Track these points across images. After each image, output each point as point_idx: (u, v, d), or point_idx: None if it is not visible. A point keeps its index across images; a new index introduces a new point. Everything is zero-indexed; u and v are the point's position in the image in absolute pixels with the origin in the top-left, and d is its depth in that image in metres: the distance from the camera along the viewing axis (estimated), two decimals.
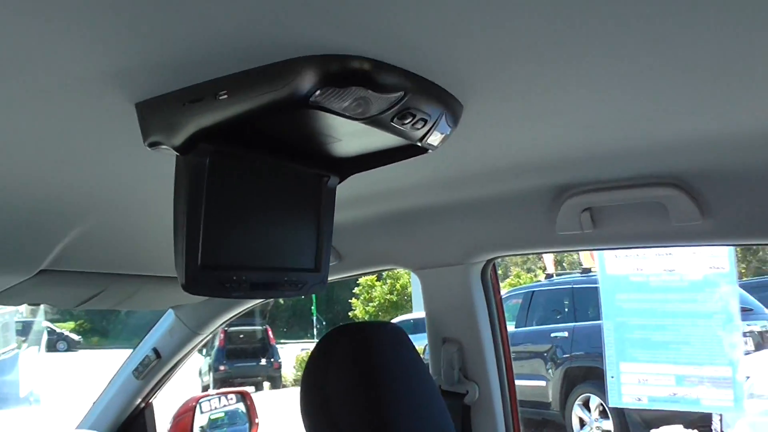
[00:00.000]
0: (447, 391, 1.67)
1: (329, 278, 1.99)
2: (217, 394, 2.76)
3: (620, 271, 6.68)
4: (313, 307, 16.50)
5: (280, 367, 15.01)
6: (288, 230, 1.08)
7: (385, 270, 1.91)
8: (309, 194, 1.10)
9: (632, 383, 6.59)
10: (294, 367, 16.12)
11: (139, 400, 2.27)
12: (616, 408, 7.06)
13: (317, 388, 1.17)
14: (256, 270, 1.01)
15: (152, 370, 2.20)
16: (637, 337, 6.59)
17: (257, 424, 2.59)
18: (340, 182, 1.14)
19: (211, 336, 2.22)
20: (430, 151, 1.00)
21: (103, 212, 1.43)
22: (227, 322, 2.18)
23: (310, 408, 1.18)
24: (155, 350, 2.18)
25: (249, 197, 0.99)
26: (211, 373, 13.94)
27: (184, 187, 0.88)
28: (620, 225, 1.46)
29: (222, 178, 0.92)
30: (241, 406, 2.75)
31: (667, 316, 6.37)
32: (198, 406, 2.58)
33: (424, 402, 1.28)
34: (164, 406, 2.44)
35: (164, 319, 2.22)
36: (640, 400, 6.57)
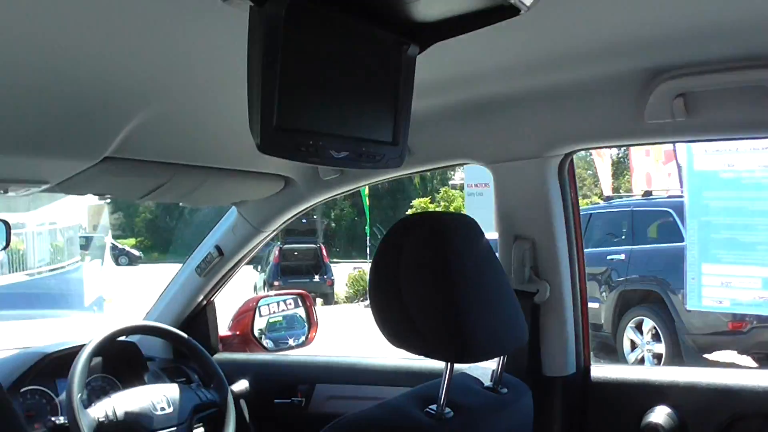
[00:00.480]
0: (516, 290, 1.61)
1: (396, 173, 1.95)
2: (277, 295, 2.78)
3: (709, 166, 6.36)
4: (366, 228, 16.63)
5: (333, 284, 15.28)
6: (365, 100, 1.02)
7: (457, 164, 1.84)
8: (388, 63, 1.03)
9: (714, 285, 6.37)
10: (346, 284, 16.42)
11: (201, 296, 2.28)
12: (670, 332, 6.95)
13: (389, 270, 1.13)
14: (332, 137, 0.96)
15: (214, 268, 2.19)
16: (722, 238, 6.31)
17: (316, 324, 2.60)
18: (420, 52, 1.06)
19: (273, 235, 2.19)
20: (522, 12, 0.91)
21: (168, 96, 1.38)
22: (289, 221, 2.15)
23: (379, 292, 1.15)
24: (218, 248, 2.17)
25: (326, 60, 0.93)
26: (266, 289, 14.29)
27: (259, 41, 0.83)
28: (717, 113, 1.35)
29: (298, 34, 0.86)
30: (300, 311, 2.77)
31: (758, 216, 6.06)
32: (257, 309, 2.60)
33: (497, 296, 1.23)
34: (223, 310, 2.46)
35: (227, 216, 2.20)
36: (721, 303, 6.36)
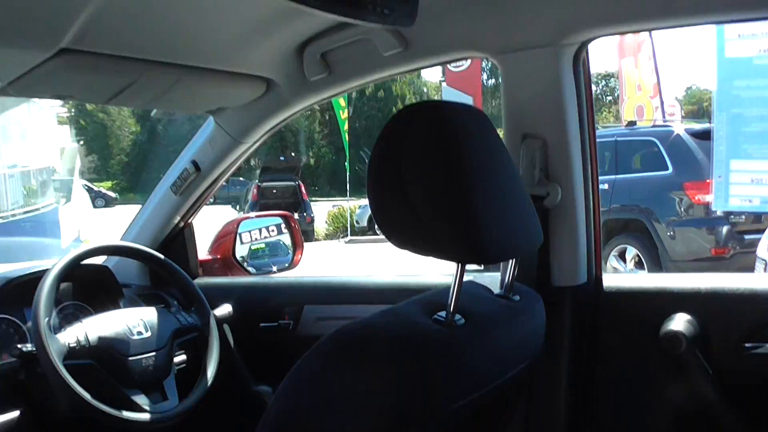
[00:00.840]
0: None
1: (391, 71, 1.77)
2: (258, 217, 2.62)
3: (742, 53, 5.95)
4: (346, 163, 16.39)
5: (312, 221, 15.21)
6: None
7: (460, 58, 1.66)
8: None
9: (743, 183, 6.09)
10: (326, 222, 16.43)
11: (178, 218, 2.11)
12: (653, 259, 6.92)
13: (390, 162, 0.98)
14: None
15: (191, 185, 2.01)
16: (755, 131, 5.97)
17: (302, 245, 2.46)
18: None
19: (254, 148, 2.01)
20: None
21: None
22: (272, 132, 1.97)
23: (380, 188, 1.00)
24: (194, 163, 1.98)
25: None
26: None
27: None
28: None
29: None
30: (284, 238, 2.62)
31: None
32: (238, 233, 2.45)
33: (510, 193, 1.09)
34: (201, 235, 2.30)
35: (204, 128, 2.00)
36: (750, 202, 6.13)
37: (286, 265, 2.48)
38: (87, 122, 35.09)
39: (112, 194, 29.37)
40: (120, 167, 35.89)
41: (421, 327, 0.98)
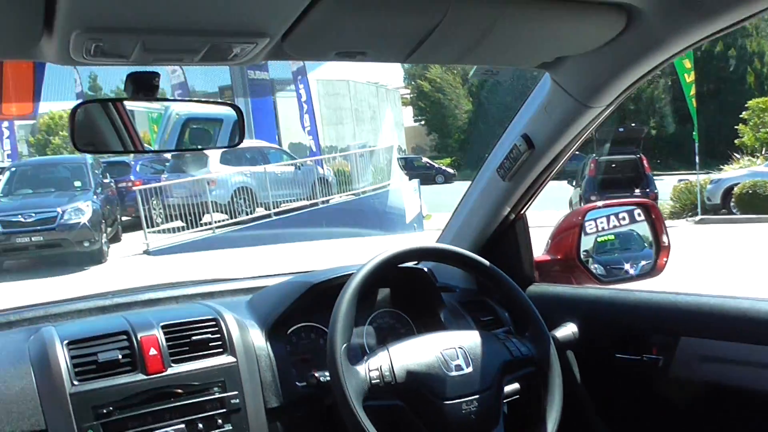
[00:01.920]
0: None
1: None
2: (606, 206, 2.08)
3: None
4: (694, 133, 14.63)
5: (656, 197, 13.84)
6: None
7: None
8: None
9: None
10: (671, 198, 14.91)
11: (508, 209, 1.69)
12: None
13: None
14: None
15: (523, 166, 1.57)
16: None
17: (667, 246, 1.87)
18: None
19: (606, 115, 1.48)
20: None
21: None
22: (630, 91, 1.41)
23: None
24: (525, 138, 1.53)
25: None
26: (582, 204, 13.47)
27: None
28: None
29: None
30: (637, 228, 2.05)
31: None
32: (583, 225, 1.94)
33: None
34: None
35: (536, 92, 1.53)
36: None
37: (645, 267, 1.92)
38: (426, 103, 37.04)
39: (451, 171, 30.64)
40: (457, 145, 37.23)
41: None
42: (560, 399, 1.34)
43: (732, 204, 13.73)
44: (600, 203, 2.01)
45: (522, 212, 1.74)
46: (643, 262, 1.99)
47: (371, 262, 1.34)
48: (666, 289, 1.55)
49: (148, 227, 12.76)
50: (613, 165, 14.22)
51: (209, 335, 1.34)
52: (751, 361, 1.27)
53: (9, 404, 1.18)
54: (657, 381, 1.43)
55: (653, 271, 1.85)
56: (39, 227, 10.71)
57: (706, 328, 1.36)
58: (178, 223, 13.31)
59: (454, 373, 1.26)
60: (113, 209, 13.32)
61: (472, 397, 1.25)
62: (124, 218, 14.42)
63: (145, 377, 1.24)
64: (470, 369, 1.28)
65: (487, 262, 1.46)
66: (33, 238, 10.70)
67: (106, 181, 13.49)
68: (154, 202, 13.49)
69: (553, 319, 1.51)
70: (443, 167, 31.09)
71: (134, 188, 14.02)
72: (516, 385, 1.37)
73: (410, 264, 1.64)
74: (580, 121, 1.44)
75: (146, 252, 12.43)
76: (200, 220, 13.44)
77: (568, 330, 1.53)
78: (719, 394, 1.33)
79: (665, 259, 1.84)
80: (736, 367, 1.29)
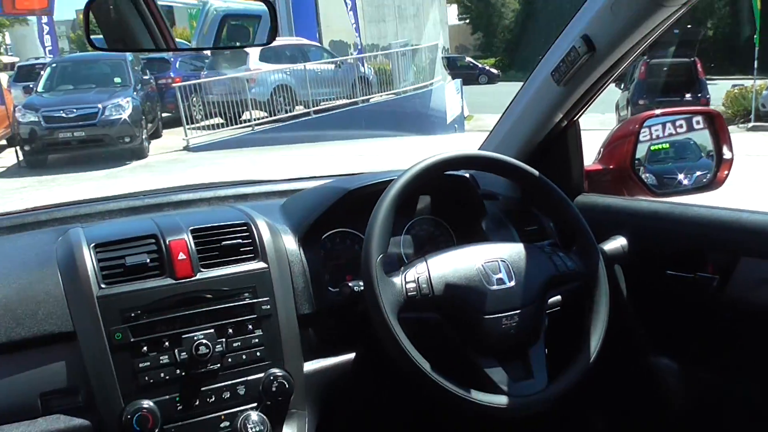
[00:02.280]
0: None
1: None
2: (665, 113, 1.94)
3: None
4: (755, 37, 13.86)
5: (708, 103, 13.32)
6: None
7: None
8: None
9: None
10: (723, 104, 14.40)
11: (560, 114, 1.58)
12: None
13: None
14: None
15: (581, 70, 1.43)
16: None
17: (729, 160, 1.75)
18: None
19: (681, 13, 1.34)
20: None
21: None
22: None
23: None
24: (586, 39, 1.39)
25: None
26: (629, 108, 13.03)
27: None
28: None
29: None
30: (695, 136, 1.93)
31: None
32: (637, 140, 1.82)
33: None
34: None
35: None
36: None
37: (704, 180, 1.81)
38: (471, 1, 35.78)
39: (495, 71, 29.93)
40: (503, 44, 36.17)
41: None
42: (606, 316, 1.28)
43: None
44: (658, 111, 1.88)
45: (575, 119, 1.63)
46: (699, 173, 1.87)
47: (412, 169, 1.26)
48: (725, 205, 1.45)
49: (187, 124, 12.83)
50: (666, 68, 13.64)
51: (240, 240, 1.29)
52: None
53: (36, 306, 1.16)
54: (710, 301, 1.35)
55: (712, 184, 1.74)
56: (81, 122, 10.85)
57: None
58: (218, 120, 13.34)
59: (495, 287, 1.20)
60: (153, 106, 13.39)
61: (513, 312, 1.20)
62: (164, 115, 14.55)
63: (174, 281, 1.20)
64: (512, 283, 1.22)
65: (536, 172, 1.37)
66: (75, 133, 10.86)
67: (145, 77, 13.51)
68: (194, 99, 13.50)
69: (601, 231, 1.42)
70: (487, 67, 30.36)
71: (174, 85, 14.05)
72: (558, 297, 1.31)
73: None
74: (651, 20, 1.30)
75: (186, 148, 12.55)
76: (239, 117, 13.45)
77: (617, 243, 1.45)
78: None
79: (726, 173, 1.72)
80: None
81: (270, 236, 1.31)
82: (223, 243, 1.27)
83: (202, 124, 13.59)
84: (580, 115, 1.62)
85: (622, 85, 14.39)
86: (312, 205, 1.42)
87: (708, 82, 14.55)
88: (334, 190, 1.43)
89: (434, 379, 1.11)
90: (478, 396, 1.13)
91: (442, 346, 1.18)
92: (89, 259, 1.19)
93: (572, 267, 1.29)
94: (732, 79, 18.15)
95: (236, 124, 13.42)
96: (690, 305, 1.41)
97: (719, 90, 14.99)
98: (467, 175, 1.56)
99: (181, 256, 1.22)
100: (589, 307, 1.29)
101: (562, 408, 1.28)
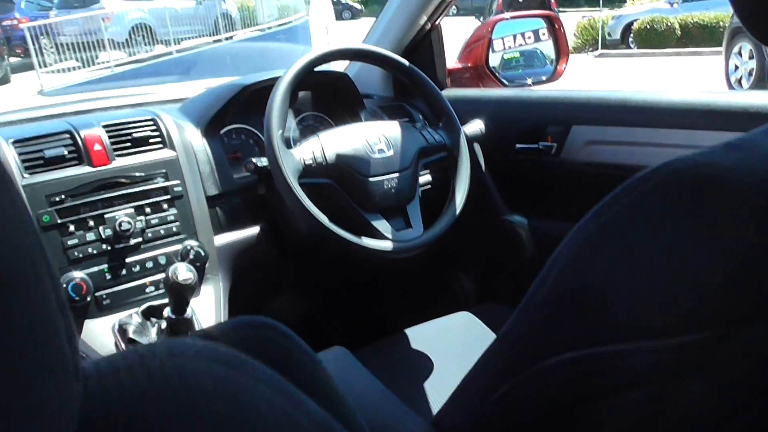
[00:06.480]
0: None
1: None
2: (514, 17, 2.23)
3: None
4: None
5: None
6: None
7: None
8: None
9: None
10: (574, 34, 15.22)
11: (425, 18, 1.81)
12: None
13: None
14: None
15: None
16: None
17: (567, 52, 2.06)
18: None
19: None
20: None
21: None
22: None
23: None
24: None
25: None
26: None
27: None
28: None
29: None
30: (541, 47, 2.23)
31: None
32: (491, 38, 2.10)
33: None
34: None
35: None
36: None
37: (544, 78, 2.11)
38: None
39: (358, 6, 29.78)
40: None
41: None
42: (467, 178, 1.54)
43: (630, 39, 14.19)
44: (507, 15, 2.16)
45: (437, 22, 1.86)
46: (544, 78, 2.19)
47: (301, 61, 1.44)
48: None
49: (40, 67, 12.08)
50: (520, 0, 14.28)
51: (149, 132, 1.44)
52: (625, 141, 1.50)
53: None
54: (550, 165, 1.66)
55: (552, 76, 2.05)
56: None
57: (593, 117, 1.58)
58: (73, 63, 12.64)
59: (377, 156, 1.43)
60: None
61: (393, 176, 1.43)
62: (12, 59, 13.58)
63: (92, 169, 1.33)
64: (391, 152, 1.45)
65: (407, 62, 1.59)
66: None
67: None
68: (45, 41, 12.67)
69: (462, 118, 1.68)
70: (350, 2, 30.18)
71: (20, 25, 13.11)
72: (429, 177, 1.57)
73: (332, 68, 1.76)
74: None
75: (41, 93, 11.86)
76: (96, 58, 12.79)
77: (475, 126, 1.72)
78: (602, 169, 1.57)
79: (564, 66, 2.04)
80: (615, 147, 1.53)
81: (176, 129, 1.47)
82: (134, 135, 1.42)
83: (56, 67, 12.82)
84: (441, 19, 1.86)
85: (482, 18, 14.91)
86: (210, 103, 1.57)
87: (561, 12, 15.32)
88: (230, 87, 1.59)
89: (332, 230, 1.33)
90: (368, 242, 1.37)
91: (337, 206, 1.39)
92: (10, 154, 1.29)
93: (439, 140, 1.54)
94: (582, 10, 19.18)
95: (93, 65, 12.77)
96: (535, 171, 1.71)
97: (571, 21, 15.84)
98: (347, 73, 1.77)
99: (97, 146, 1.35)
100: (454, 172, 1.55)
101: (437, 268, 1.54)
